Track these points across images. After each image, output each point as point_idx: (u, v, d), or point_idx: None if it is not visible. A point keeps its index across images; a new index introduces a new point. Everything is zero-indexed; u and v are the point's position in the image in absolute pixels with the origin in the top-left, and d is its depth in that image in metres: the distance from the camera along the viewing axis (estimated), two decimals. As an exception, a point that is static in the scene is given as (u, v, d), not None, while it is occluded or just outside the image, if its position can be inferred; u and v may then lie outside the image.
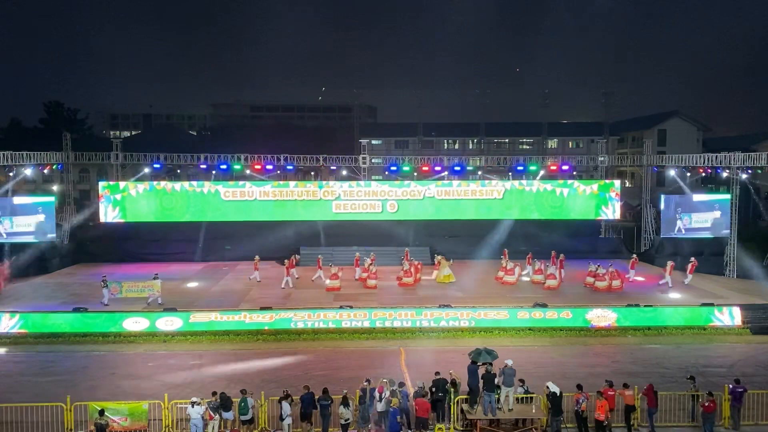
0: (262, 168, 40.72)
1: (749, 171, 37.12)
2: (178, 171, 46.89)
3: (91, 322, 26.47)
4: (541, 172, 41.30)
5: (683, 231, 38.76)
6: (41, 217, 36.72)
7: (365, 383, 17.61)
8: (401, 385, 17.48)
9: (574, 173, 43.63)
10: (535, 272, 34.68)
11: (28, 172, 38.48)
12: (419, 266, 35.30)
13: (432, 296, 30.67)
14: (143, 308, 28.01)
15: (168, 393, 18.07)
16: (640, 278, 34.77)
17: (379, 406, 16.91)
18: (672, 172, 40.73)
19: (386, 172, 44.64)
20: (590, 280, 33.07)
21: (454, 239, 42.23)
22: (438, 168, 42.10)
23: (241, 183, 40.60)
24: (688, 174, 41.41)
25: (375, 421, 16.99)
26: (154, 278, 29.91)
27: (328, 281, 32.73)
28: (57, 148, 42.92)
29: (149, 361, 23.51)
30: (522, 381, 18.06)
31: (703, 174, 41.20)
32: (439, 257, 36.15)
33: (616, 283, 32.26)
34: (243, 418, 17.01)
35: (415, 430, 16.93)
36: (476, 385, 17.62)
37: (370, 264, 34.12)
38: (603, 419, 16.73)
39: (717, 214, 38.19)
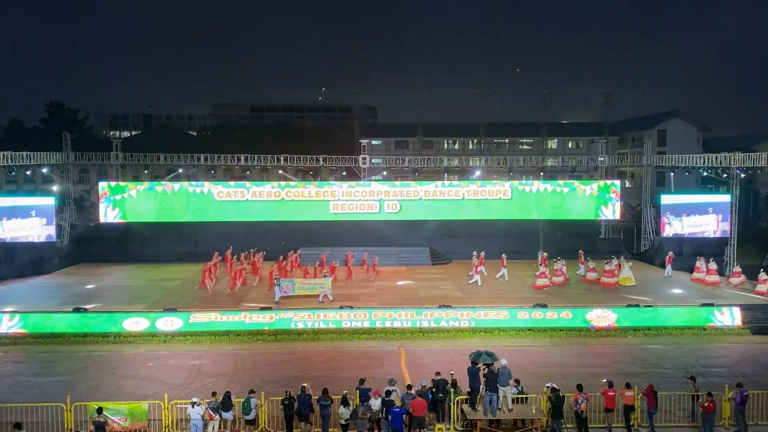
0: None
1: (749, 171, 37.13)
2: (179, 171, 46.96)
3: (91, 322, 26.44)
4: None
5: (671, 235, 38.75)
6: (40, 218, 36.81)
7: (359, 383, 17.64)
8: (409, 387, 17.47)
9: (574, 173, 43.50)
10: (589, 270, 34.98)
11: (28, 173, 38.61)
12: (616, 270, 33.87)
13: (432, 296, 30.69)
14: (143, 308, 28.04)
15: (168, 393, 18.06)
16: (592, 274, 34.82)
17: (374, 405, 16.89)
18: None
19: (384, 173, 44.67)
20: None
21: (453, 239, 42.27)
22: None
23: (240, 183, 40.61)
24: (687, 174, 41.43)
25: (373, 420, 16.98)
26: (325, 276, 31.16)
27: (538, 281, 32.95)
28: (57, 148, 42.96)
29: (149, 361, 23.50)
30: (517, 381, 18.02)
31: (704, 174, 41.23)
32: (620, 259, 34.88)
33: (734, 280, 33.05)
34: (246, 417, 17.03)
35: (413, 430, 16.92)
36: (477, 387, 17.61)
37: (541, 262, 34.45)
38: None
39: (712, 218, 38.17)
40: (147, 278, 35.75)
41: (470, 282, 34.02)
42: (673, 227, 38.82)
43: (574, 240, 40.18)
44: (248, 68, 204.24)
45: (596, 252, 39.15)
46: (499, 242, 38.73)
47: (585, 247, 37.98)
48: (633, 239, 44.57)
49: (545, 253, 35.50)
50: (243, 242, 37.48)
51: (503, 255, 35.39)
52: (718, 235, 38.30)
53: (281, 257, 35.15)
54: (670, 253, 36.39)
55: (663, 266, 36.55)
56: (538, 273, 33.54)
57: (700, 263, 34.60)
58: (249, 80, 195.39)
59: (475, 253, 34.96)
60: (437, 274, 37.24)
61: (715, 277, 33.66)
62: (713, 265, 34.07)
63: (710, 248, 37.55)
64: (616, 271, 33.76)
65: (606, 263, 34.14)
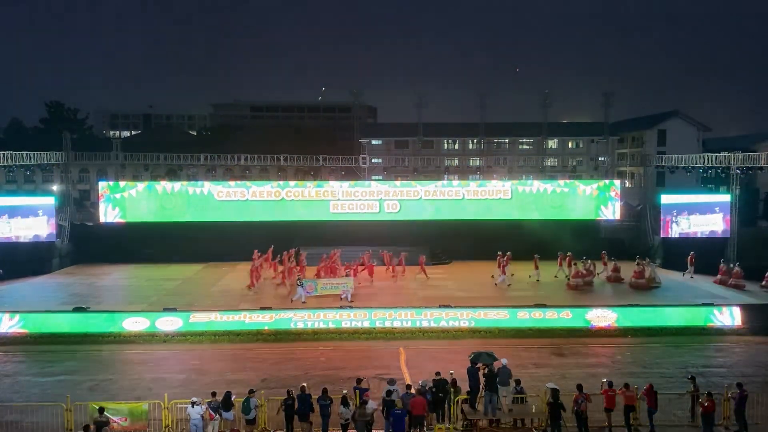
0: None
1: (749, 171, 37.07)
2: (179, 171, 46.99)
3: (91, 322, 26.46)
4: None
5: (677, 235, 38.68)
6: (41, 218, 36.83)
7: (356, 383, 17.65)
8: (408, 387, 17.47)
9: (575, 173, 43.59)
10: (613, 270, 34.88)
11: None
12: (642, 270, 33.48)
13: (432, 296, 30.68)
14: (143, 308, 28.03)
15: (168, 393, 18.07)
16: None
17: (369, 408, 16.88)
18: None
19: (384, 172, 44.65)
20: None
21: (453, 239, 42.18)
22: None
23: (240, 183, 40.59)
24: (688, 174, 41.39)
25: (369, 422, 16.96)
26: (347, 275, 31.65)
27: (572, 280, 32.90)
28: (57, 148, 42.96)
29: (149, 361, 23.50)
30: (517, 381, 18.02)
31: (704, 175, 41.20)
32: (644, 260, 34.74)
33: None
34: (246, 417, 17.03)
35: (413, 429, 16.91)
36: (477, 387, 17.60)
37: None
38: None
39: (717, 217, 38.07)
40: (147, 278, 35.77)
41: (497, 282, 33.72)
42: (680, 226, 38.69)
43: (574, 240, 40.08)
44: (248, 68, 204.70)
45: (597, 252, 39.11)
46: (500, 242, 38.62)
47: (585, 248, 37.86)
48: (633, 239, 44.45)
49: (569, 253, 35.08)
50: (243, 242, 37.43)
51: (535, 256, 35.12)
52: (724, 234, 38.15)
53: (324, 256, 35.12)
54: (692, 252, 35.87)
55: (665, 266, 36.41)
56: (572, 273, 33.37)
57: (723, 265, 34.16)
58: (249, 80, 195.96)
59: (500, 252, 34.76)
60: (437, 274, 37.22)
61: (740, 280, 32.98)
62: (737, 268, 33.49)
63: (711, 248, 37.47)
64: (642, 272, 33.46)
65: (636, 264, 33.90)
